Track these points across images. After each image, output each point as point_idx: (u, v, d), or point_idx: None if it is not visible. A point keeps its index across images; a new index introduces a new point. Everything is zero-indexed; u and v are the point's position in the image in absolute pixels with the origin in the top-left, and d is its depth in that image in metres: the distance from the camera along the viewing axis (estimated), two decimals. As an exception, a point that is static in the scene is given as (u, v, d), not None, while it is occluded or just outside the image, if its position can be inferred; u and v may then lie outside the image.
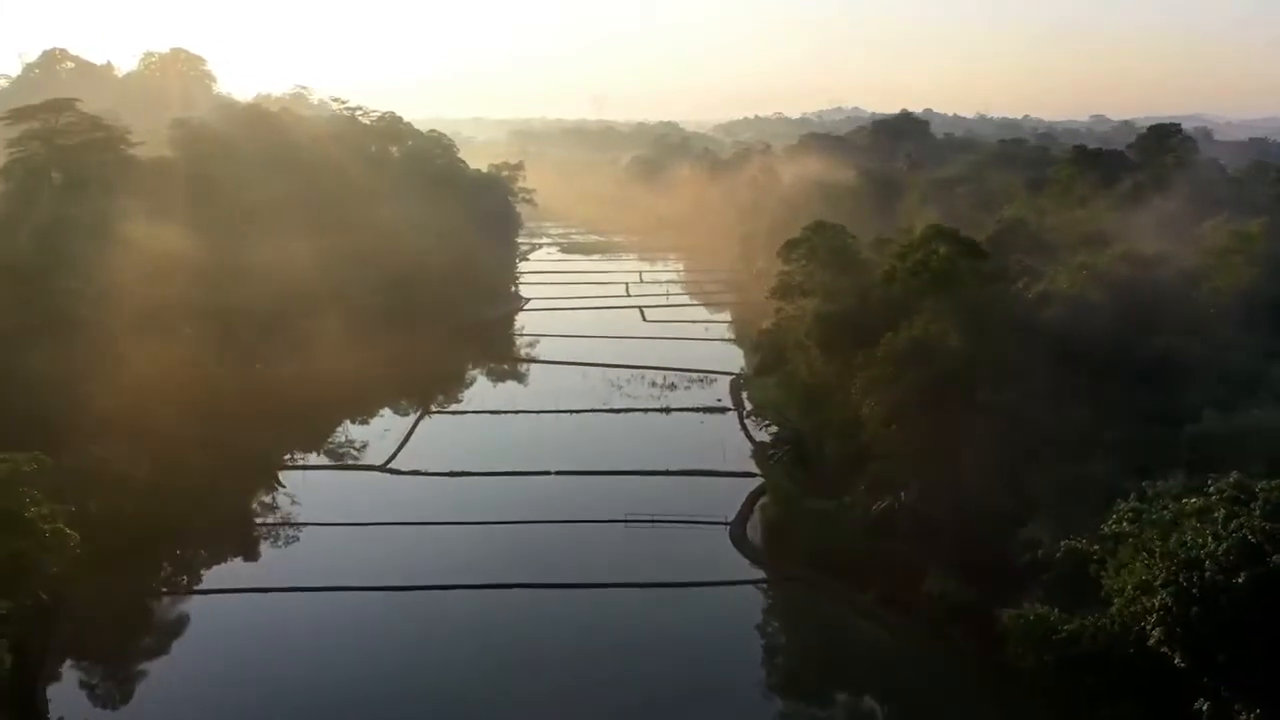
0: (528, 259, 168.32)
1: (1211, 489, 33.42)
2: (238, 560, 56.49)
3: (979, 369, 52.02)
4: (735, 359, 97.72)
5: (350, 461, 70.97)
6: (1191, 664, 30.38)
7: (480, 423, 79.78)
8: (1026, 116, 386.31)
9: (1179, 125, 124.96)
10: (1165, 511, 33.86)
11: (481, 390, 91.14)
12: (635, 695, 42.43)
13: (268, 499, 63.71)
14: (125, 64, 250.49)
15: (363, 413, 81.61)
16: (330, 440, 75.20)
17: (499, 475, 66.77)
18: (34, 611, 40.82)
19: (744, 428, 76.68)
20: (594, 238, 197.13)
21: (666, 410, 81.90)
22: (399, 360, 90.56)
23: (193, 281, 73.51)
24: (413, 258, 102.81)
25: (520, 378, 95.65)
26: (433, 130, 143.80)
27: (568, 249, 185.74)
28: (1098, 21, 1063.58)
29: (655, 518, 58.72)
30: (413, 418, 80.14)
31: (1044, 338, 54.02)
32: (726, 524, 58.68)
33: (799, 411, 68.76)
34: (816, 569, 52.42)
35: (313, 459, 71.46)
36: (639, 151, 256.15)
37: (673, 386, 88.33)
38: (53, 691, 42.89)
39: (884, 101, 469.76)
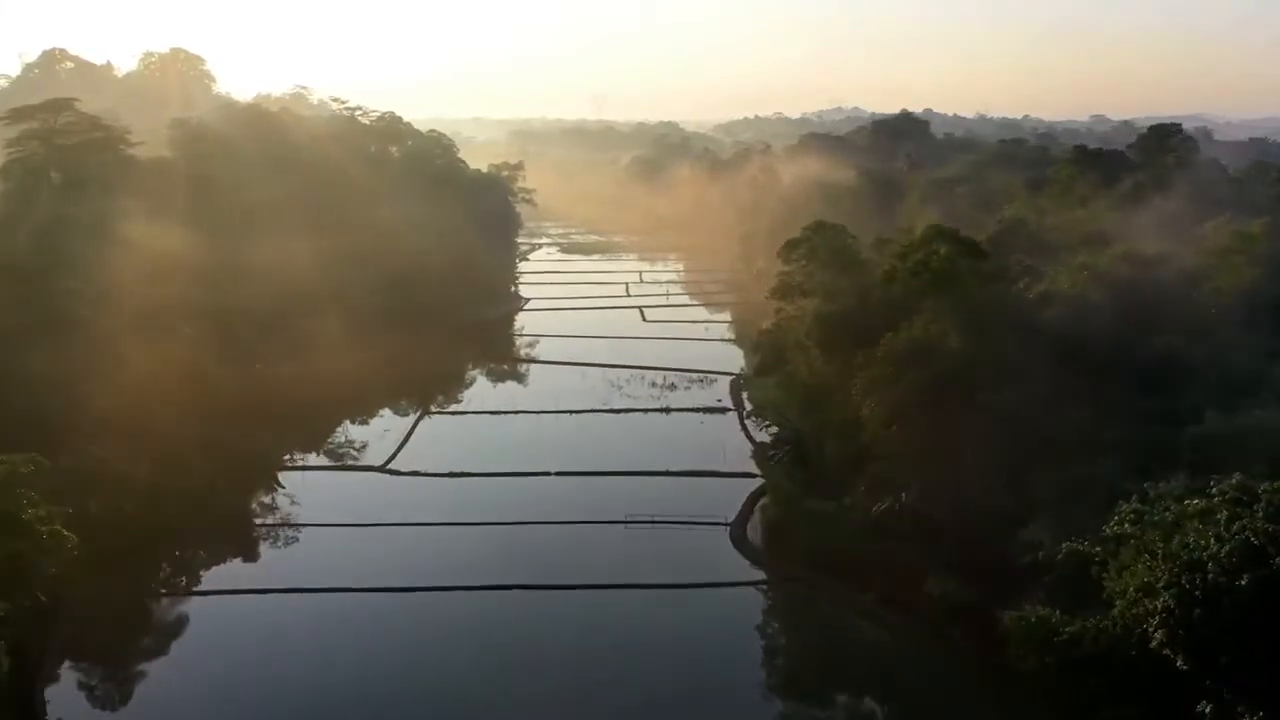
0: (528, 259, 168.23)
1: (1214, 490, 33.33)
2: (237, 561, 56.41)
3: (979, 369, 51.96)
4: (735, 359, 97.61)
5: (350, 462, 70.83)
6: (1194, 666, 30.29)
7: (480, 423, 79.68)
8: (1026, 116, 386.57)
9: (1179, 125, 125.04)
10: (1167, 513, 33.84)
11: (481, 390, 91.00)
12: (635, 696, 42.35)
13: (267, 499, 63.60)
14: (125, 64, 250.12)
15: (362, 413, 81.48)
16: (330, 441, 75.08)
17: (499, 476, 66.65)
18: (32, 613, 40.81)
19: (744, 428, 76.55)
20: (594, 238, 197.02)
21: (666, 410, 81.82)
22: (399, 360, 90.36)
23: (192, 281, 73.46)
24: (412, 258, 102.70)
25: (520, 378, 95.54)
26: (433, 130, 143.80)
27: (568, 249, 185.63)
28: (1098, 21, 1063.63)
29: (655, 518, 58.61)
30: (412, 418, 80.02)
31: (1044, 338, 53.98)
32: (726, 524, 58.57)
33: (799, 412, 68.68)
34: (817, 570, 52.30)
35: (312, 459, 71.33)
36: (639, 151, 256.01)
37: (673, 387, 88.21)
38: (51, 693, 42.72)
39: (884, 101, 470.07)
